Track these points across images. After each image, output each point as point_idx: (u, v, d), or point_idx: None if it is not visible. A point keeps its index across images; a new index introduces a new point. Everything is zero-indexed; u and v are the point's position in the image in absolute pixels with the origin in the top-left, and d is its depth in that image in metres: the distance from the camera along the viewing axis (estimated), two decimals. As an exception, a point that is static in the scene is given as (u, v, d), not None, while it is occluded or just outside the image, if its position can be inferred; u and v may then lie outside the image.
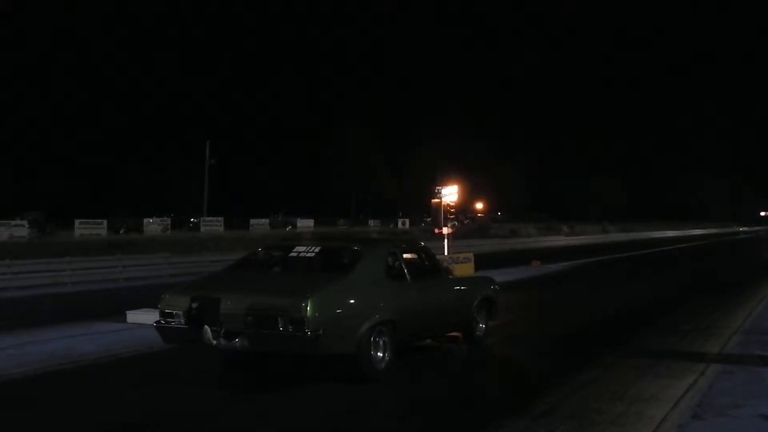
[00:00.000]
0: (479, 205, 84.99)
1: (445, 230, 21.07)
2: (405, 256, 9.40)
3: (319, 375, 8.31)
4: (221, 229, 55.15)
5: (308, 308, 7.25)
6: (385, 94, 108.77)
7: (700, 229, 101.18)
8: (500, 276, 17.53)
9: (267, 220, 63.87)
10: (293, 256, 8.94)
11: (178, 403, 7.51)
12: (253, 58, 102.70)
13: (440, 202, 21.64)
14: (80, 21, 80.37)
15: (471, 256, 21.85)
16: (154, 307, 9.13)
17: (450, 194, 21.02)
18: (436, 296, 9.53)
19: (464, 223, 61.88)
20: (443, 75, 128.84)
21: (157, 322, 8.21)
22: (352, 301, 7.94)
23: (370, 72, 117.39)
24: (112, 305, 14.89)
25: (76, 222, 45.41)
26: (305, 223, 66.74)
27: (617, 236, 67.28)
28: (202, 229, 54.25)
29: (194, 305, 7.73)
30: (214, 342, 7.61)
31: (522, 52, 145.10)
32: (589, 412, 6.97)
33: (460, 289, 10.30)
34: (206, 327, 7.57)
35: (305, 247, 9.05)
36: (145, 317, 12.10)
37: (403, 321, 8.46)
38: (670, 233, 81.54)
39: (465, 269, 21.01)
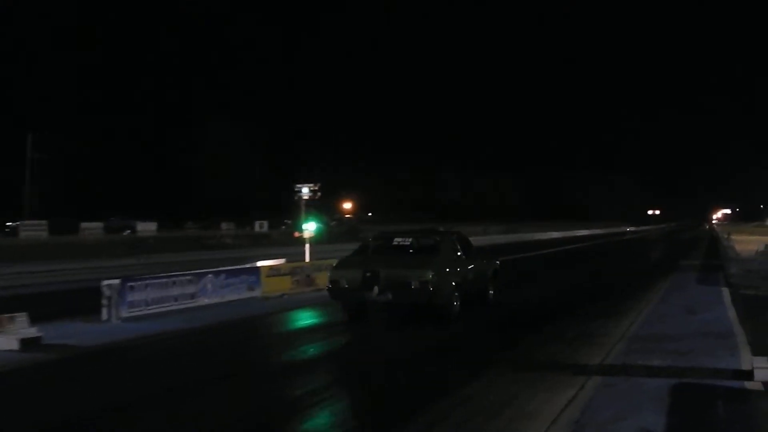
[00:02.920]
0: (347, 205, 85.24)
1: (306, 233, 20.93)
2: (459, 241, 15.92)
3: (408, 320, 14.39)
4: (45, 234, 52.64)
5: (427, 277, 13.70)
6: (241, 81, 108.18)
7: (587, 229, 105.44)
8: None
9: (101, 224, 61.62)
10: (396, 244, 15.48)
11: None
12: (87, 49, 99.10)
13: (301, 201, 21.48)
14: None
15: (333, 262, 21.77)
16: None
17: (311, 192, 20.90)
18: (475, 267, 15.92)
19: (330, 224, 61.76)
20: (312, 65, 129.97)
21: (328, 287, 15.00)
22: (438, 272, 14.00)
23: (223, 61, 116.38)
24: None
25: None
26: (147, 227, 64.80)
27: (498, 238, 68.91)
28: (22, 234, 51.61)
29: (367, 274, 13.98)
30: (375, 296, 13.86)
31: (404, 48, 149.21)
32: (465, 432, 7.07)
33: (483, 262, 16.91)
34: (375, 287, 13.82)
35: (401, 238, 15.60)
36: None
37: (464, 283, 15.02)
38: (555, 234, 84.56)
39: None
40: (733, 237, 45.95)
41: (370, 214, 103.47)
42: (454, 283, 14.56)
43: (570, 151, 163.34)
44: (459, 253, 15.68)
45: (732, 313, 15.76)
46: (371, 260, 14.90)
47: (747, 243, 39.48)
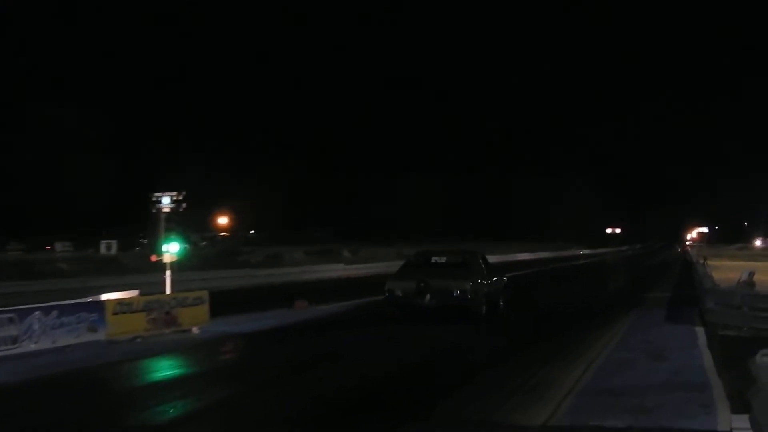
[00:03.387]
0: (223, 220, 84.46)
1: (167, 257, 20.67)
2: (482, 260, 24.96)
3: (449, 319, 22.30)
4: None
5: (466, 287, 22.31)
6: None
7: (529, 252, 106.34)
8: (248, 324, 17.50)
9: None
10: (434, 262, 24.60)
11: None
12: None
13: (161, 214, 21.19)
14: None
15: (205, 295, 21.56)
16: None
17: (173, 203, 20.68)
18: (494, 281, 24.56)
19: (200, 245, 61.17)
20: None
21: (385, 296, 23.24)
22: (474, 283, 22.62)
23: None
24: None
25: None
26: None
27: None
28: None
29: (421, 285, 22.22)
30: (427, 301, 22.23)
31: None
32: None
33: (498, 278, 25.61)
34: (427, 295, 22.07)
35: (437, 257, 25.00)
36: None
37: (488, 293, 23.44)
38: (490, 258, 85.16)
39: (197, 314, 20.73)
40: (711, 262, 47.03)
41: (252, 231, 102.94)
42: (481, 294, 23.38)
43: (516, 155, 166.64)
44: (483, 269, 24.81)
45: (707, 360, 16.20)
46: (420, 274, 23.38)
47: (727, 270, 40.47)
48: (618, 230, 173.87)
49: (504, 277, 27.14)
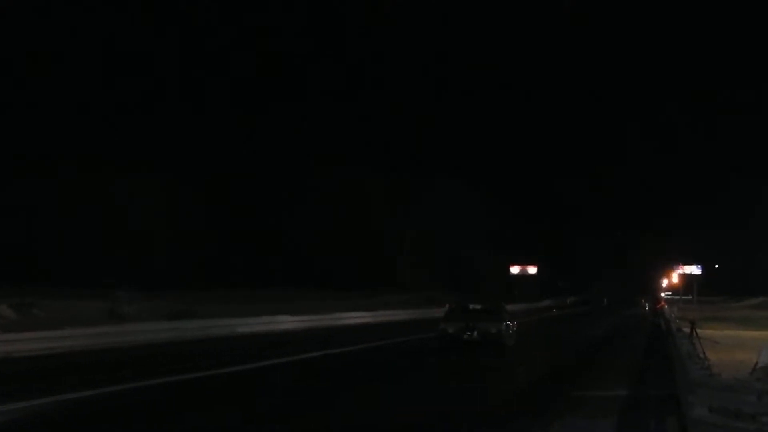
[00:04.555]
0: None
1: None
2: (505, 307, 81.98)
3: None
4: None
5: (501, 327, 71.62)
6: None
7: (362, 312, 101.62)
8: None
9: None
10: (471, 308, 75.70)
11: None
12: None
13: None
14: None
15: None
16: None
17: None
18: (513, 324, 79.84)
19: None
20: None
21: (438, 333, 70.69)
22: (505, 324, 72.76)
23: None
24: None
25: None
26: None
27: (151, 331, 62.49)
28: None
29: (470, 325, 68.77)
30: (472, 337, 68.03)
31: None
32: None
33: (510, 321, 77.33)
34: (475, 332, 68.25)
35: (473, 305, 76.29)
36: None
37: (511, 332, 77.33)
38: (290, 322, 78.56)
39: None
40: (705, 331, 51.06)
41: None
42: (509, 331, 62.19)
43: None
44: (507, 314, 64.95)
45: None
46: (464, 318, 60.78)
47: (734, 345, 44.36)
48: (532, 269, 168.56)
49: (515, 321, 62.09)
